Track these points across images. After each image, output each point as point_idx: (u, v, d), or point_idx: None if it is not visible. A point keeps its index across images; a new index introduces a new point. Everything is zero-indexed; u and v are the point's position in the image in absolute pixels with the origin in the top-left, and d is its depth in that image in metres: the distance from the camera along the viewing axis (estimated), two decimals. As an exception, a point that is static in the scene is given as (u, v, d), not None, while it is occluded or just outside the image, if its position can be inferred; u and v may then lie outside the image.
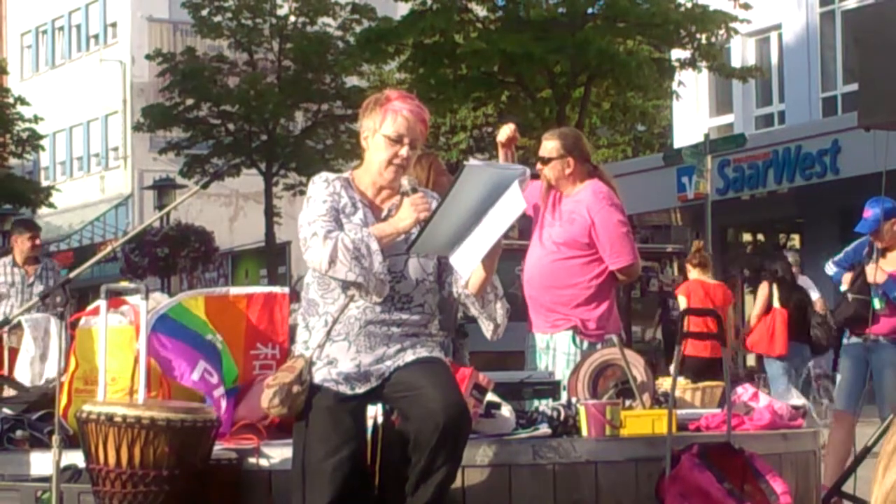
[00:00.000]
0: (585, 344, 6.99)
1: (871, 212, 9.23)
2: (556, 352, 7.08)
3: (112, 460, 5.31)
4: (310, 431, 5.13)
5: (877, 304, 9.14)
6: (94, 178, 47.83)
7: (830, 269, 9.59)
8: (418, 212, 5.12)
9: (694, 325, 9.98)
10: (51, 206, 40.54)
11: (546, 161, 7.15)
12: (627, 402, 6.39)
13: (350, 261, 5.05)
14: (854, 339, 9.40)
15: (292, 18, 35.17)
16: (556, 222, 7.12)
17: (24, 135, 39.18)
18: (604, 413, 6.03)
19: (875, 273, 9.11)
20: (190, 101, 35.03)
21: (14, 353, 7.79)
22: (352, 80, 35.86)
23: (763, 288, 13.99)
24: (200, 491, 5.44)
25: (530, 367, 7.22)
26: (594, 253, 7.06)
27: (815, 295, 14.05)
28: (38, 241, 11.77)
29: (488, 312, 5.29)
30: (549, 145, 7.18)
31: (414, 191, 5.21)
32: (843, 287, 9.44)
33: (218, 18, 34.84)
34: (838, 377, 9.67)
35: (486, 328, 5.35)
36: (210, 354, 6.24)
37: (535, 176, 7.02)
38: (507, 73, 26.20)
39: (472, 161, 5.19)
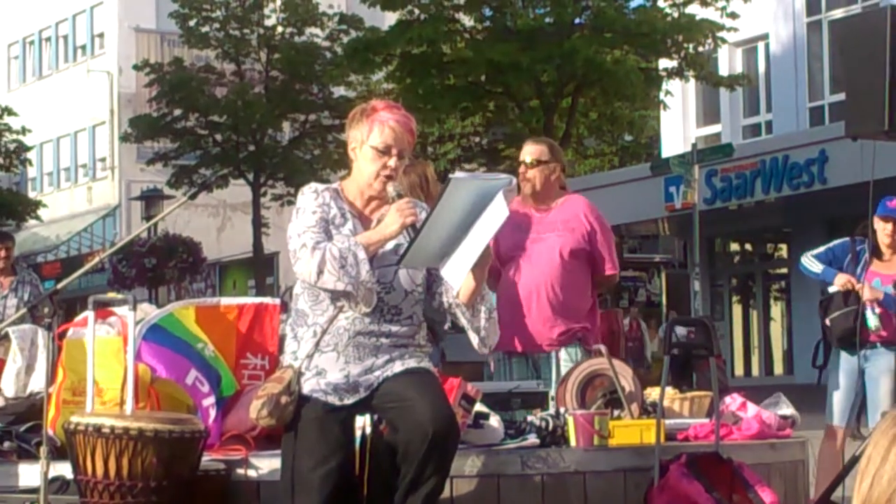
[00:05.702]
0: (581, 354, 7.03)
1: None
2: (559, 363, 7.06)
3: (100, 471, 5.31)
4: (298, 442, 5.12)
5: (871, 323, 8.84)
6: (82, 188, 47.76)
7: (815, 265, 9.17)
8: (404, 217, 5.10)
9: None
10: (38, 218, 40.47)
11: (534, 164, 7.12)
12: (616, 412, 6.39)
13: (338, 270, 5.03)
14: (848, 353, 9.11)
15: (280, 29, 35.20)
16: (551, 234, 7.09)
17: (12, 146, 39.09)
18: (592, 423, 6.03)
19: (869, 289, 8.85)
20: (177, 112, 35.06)
21: (0, 364, 7.74)
22: (339, 91, 35.91)
23: None
24: (188, 502, 5.43)
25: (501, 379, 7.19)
26: (588, 262, 7.10)
27: None
28: (3, 254, 11.34)
29: (476, 323, 5.28)
30: (536, 149, 7.17)
31: (399, 196, 5.20)
32: (833, 288, 9.12)
33: (205, 29, 34.88)
34: (830, 391, 9.40)
35: (473, 339, 5.33)
36: (200, 365, 6.24)
37: None
38: (495, 82, 26.24)
39: (457, 173, 5.18)
